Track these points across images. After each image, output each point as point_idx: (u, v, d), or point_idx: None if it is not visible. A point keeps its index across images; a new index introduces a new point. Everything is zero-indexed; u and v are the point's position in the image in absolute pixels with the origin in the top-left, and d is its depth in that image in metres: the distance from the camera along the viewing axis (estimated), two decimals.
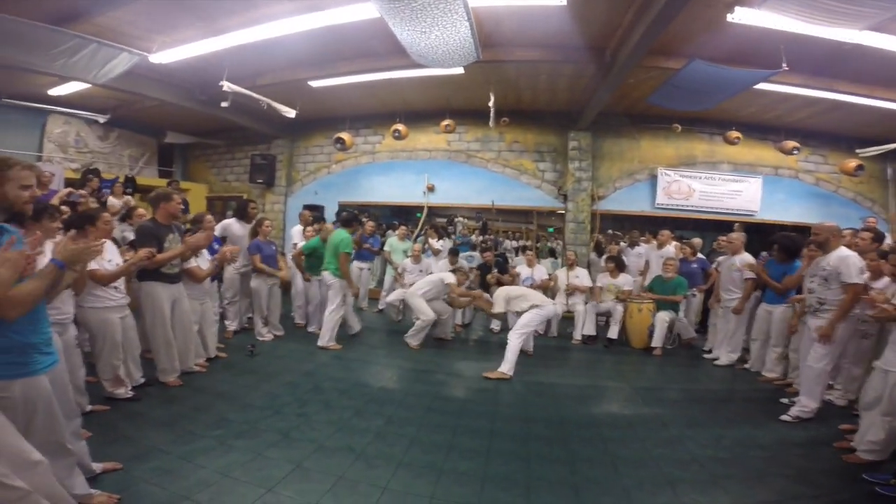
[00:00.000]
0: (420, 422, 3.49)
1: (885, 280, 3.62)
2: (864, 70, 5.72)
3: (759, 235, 7.48)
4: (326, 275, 5.44)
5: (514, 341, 4.67)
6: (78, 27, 5.16)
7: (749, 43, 5.12)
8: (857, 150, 7.95)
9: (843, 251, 3.66)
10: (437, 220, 10.07)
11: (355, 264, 7.08)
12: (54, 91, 7.75)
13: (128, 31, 5.56)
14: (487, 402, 4.03)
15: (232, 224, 5.67)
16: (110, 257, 3.36)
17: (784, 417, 3.78)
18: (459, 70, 5.93)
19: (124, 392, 3.47)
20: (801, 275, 4.42)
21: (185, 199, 6.92)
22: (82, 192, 5.67)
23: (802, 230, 6.45)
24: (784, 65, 5.00)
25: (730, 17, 4.50)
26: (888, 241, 4.77)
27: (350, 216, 5.93)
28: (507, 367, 4.57)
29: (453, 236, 9.60)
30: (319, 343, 5.33)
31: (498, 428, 3.46)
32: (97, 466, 2.40)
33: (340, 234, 5.50)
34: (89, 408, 3.10)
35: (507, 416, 3.73)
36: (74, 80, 6.59)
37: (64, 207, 4.38)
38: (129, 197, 6.87)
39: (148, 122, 10.28)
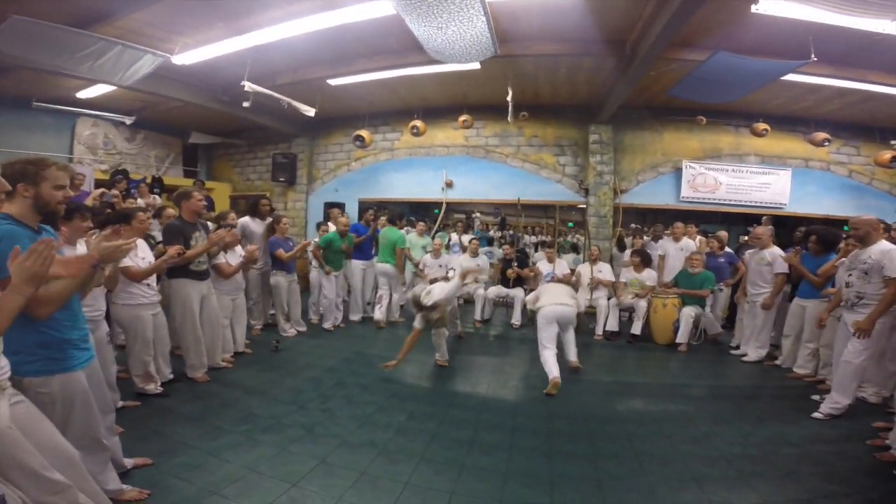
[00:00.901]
0: (441, 417, 3.51)
1: None
2: None
3: (787, 229, 7.27)
4: (387, 267, 6.37)
5: (540, 353, 4.42)
6: (100, 30, 5.24)
7: (775, 33, 4.97)
8: (892, 142, 7.65)
9: (884, 244, 3.54)
10: (455, 215, 10.07)
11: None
12: (82, 94, 7.96)
13: (149, 33, 5.64)
14: (509, 398, 4.04)
15: (248, 222, 5.62)
16: (143, 255, 3.44)
17: (815, 415, 3.68)
18: (476, 65, 5.90)
19: (154, 388, 3.57)
20: (834, 264, 4.31)
21: (208, 196, 7.05)
22: (114, 192, 5.82)
23: (834, 223, 6.25)
24: (812, 55, 4.85)
25: (754, 8, 4.36)
26: None
27: (395, 214, 6.77)
28: (551, 376, 4.21)
29: (471, 231, 9.56)
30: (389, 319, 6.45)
31: (520, 423, 3.45)
32: (128, 462, 2.47)
33: (395, 233, 6.46)
34: (121, 403, 3.19)
35: (528, 412, 3.72)
36: (101, 82, 6.74)
37: (108, 210, 4.50)
38: (156, 196, 7.02)
39: (172, 123, 10.49)
